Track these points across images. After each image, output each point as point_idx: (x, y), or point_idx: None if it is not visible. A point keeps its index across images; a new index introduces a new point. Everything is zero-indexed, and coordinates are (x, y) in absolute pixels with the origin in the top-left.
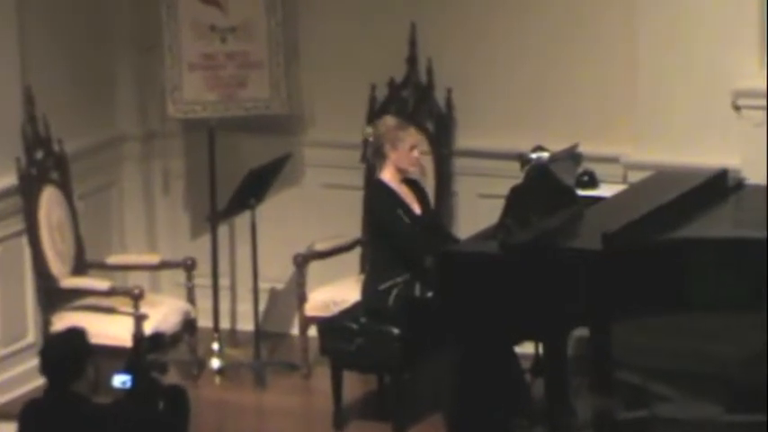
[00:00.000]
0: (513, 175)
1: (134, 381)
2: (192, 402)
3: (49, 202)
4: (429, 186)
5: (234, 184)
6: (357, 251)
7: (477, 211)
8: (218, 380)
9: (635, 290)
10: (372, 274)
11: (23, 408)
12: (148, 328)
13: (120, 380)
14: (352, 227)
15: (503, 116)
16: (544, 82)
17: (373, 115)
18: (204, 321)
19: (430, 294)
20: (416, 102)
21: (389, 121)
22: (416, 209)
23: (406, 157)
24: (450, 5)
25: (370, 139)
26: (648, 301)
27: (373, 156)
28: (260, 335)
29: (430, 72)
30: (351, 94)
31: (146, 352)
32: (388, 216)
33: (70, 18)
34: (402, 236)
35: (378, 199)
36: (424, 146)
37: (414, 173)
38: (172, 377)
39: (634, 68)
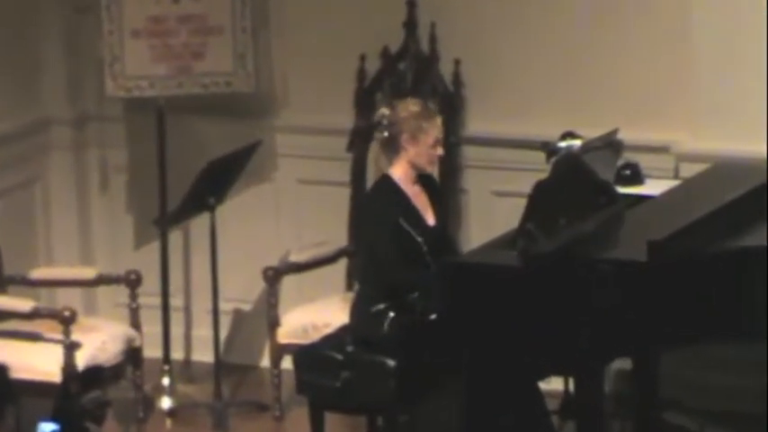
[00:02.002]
0: (537, 169)
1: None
2: None
3: None
4: None
5: (189, 179)
6: (343, 263)
7: (491, 213)
8: (169, 423)
9: (687, 311)
10: (363, 292)
11: None
12: (82, 360)
13: (47, 429)
14: (336, 232)
15: (524, 95)
16: (577, 52)
17: (362, 93)
18: (152, 351)
19: (433, 317)
20: (416, 76)
21: (413, 105)
22: (429, 218)
23: (427, 154)
24: None
25: (384, 122)
26: (704, 325)
27: (385, 145)
28: (221, 368)
29: (433, 39)
30: (334, 67)
31: (79, 392)
32: (380, 227)
33: None
34: (382, 260)
35: (379, 199)
36: None
37: (429, 171)
38: (111, 424)
39: (688, 38)
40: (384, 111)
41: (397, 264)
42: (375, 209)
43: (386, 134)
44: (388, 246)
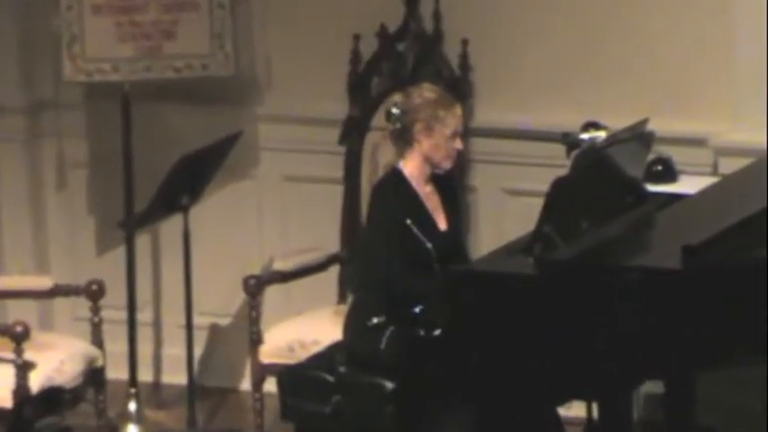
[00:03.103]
0: (556, 164)
1: None
2: None
3: None
4: None
5: (159, 175)
6: (334, 271)
7: (503, 214)
8: None
9: (726, 326)
10: (359, 302)
11: None
12: (36, 382)
13: None
14: (326, 236)
15: (540, 79)
16: (602, 32)
17: (356, 78)
18: (116, 371)
19: (437, 333)
20: (418, 59)
21: (428, 92)
22: (441, 222)
23: (444, 148)
24: None
25: (396, 111)
26: (747, 342)
27: (396, 136)
28: (195, 391)
29: (437, 16)
30: (325, 49)
31: (35, 417)
32: (382, 226)
33: None
34: (383, 264)
35: (385, 195)
36: None
37: (446, 168)
38: None
39: (729, 15)
40: (396, 97)
41: (399, 269)
42: (378, 205)
43: (398, 125)
44: (391, 248)
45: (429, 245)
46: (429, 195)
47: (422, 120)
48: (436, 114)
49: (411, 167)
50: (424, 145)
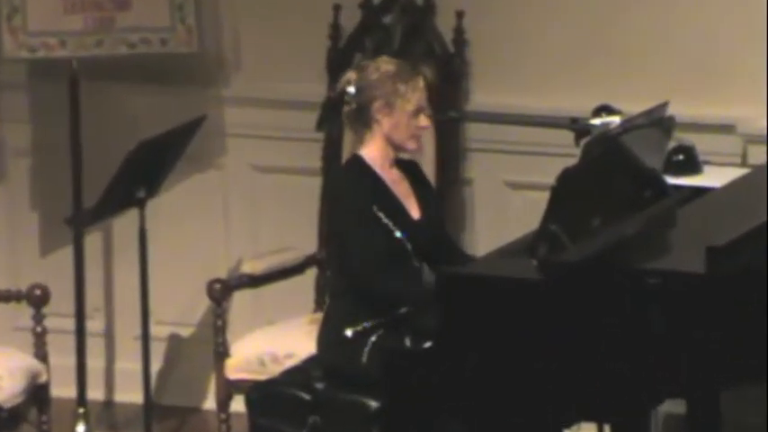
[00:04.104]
0: (563, 153)
1: None
2: None
3: None
4: (427, 170)
5: (112, 165)
6: (311, 275)
7: (503, 210)
8: None
9: (757, 336)
10: (334, 309)
11: None
12: None
13: None
14: (302, 235)
15: (546, 57)
16: (616, 3)
17: (336, 55)
18: (62, 388)
19: (427, 345)
20: (406, 33)
21: (385, 64)
22: (414, 210)
23: (407, 127)
24: None
25: (351, 89)
26: None
27: (354, 119)
28: (153, 410)
29: None
30: (301, 22)
31: None
32: (351, 218)
33: None
34: (359, 257)
35: (347, 186)
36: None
37: (414, 151)
38: None
39: None
40: (350, 75)
41: (378, 265)
42: (340, 195)
43: (354, 105)
44: (365, 241)
45: (400, 234)
46: (396, 181)
47: (380, 97)
48: (396, 89)
49: (372, 152)
50: (384, 125)
